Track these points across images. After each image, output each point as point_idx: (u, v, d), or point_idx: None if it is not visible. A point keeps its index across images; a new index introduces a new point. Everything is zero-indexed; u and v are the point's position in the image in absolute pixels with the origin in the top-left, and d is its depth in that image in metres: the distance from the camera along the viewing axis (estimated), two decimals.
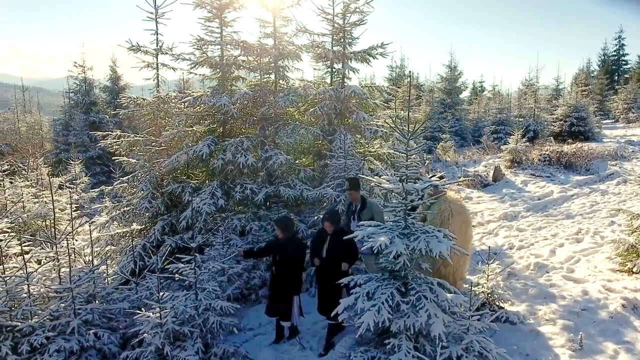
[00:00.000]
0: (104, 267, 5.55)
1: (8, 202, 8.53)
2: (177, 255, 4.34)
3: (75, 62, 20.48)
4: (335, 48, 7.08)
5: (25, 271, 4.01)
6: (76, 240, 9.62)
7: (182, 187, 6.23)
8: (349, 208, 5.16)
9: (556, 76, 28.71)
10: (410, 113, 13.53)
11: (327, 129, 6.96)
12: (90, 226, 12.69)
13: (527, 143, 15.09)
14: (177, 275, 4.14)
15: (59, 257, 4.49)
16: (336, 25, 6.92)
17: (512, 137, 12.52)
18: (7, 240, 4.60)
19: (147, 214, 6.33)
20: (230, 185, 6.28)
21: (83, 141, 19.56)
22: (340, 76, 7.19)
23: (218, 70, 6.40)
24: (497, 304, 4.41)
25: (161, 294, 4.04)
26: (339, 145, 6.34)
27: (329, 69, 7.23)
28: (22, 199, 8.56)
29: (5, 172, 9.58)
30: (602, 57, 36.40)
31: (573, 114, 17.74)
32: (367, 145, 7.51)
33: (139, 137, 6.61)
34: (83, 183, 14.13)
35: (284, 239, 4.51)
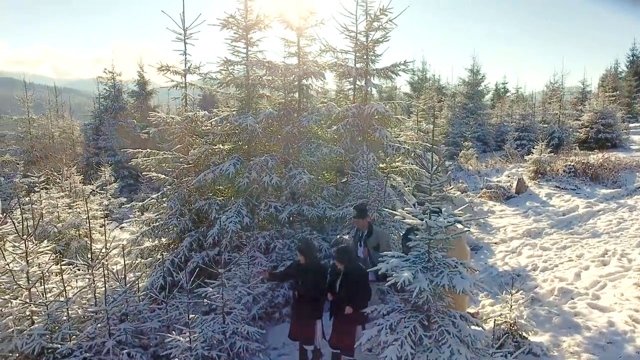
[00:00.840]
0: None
1: (44, 212, 8.91)
2: (205, 280, 4.50)
3: (105, 69, 21.21)
4: (358, 65, 7.15)
5: (65, 295, 4.23)
6: (108, 251, 10.00)
7: (209, 204, 6.41)
8: (356, 234, 5.23)
9: (582, 79, 28.00)
10: (431, 124, 13.37)
11: (350, 145, 7.04)
12: (120, 230, 13.05)
13: (551, 152, 14.85)
14: (205, 300, 4.31)
15: (95, 278, 4.70)
16: (359, 43, 6.99)
17: (536, 147, 12.31)
18: (49, 265, 4.83)
19: (175, 230, 6.54)
20: (255, 203, 6.43)
21: (112, 145, 20.24)
22: (362, 93, 7.27)
23: (244, 89, 6.56)
24: (520, 333, 4.41)
25: (190, 316, 4.21)
26: (362, 164, 6.43)
27: (352, 86, 7.32)
28: (57, 209, 8.92)
29: (42, 182, 10.06)
30: (631, 58, 35.23)
31: (600, 120, 17.32)
32: (389, 161, 7.55)
33: (168, 154, 6.83)
34: (112, 189, 14.60)
35: (305, 263, 4.60)
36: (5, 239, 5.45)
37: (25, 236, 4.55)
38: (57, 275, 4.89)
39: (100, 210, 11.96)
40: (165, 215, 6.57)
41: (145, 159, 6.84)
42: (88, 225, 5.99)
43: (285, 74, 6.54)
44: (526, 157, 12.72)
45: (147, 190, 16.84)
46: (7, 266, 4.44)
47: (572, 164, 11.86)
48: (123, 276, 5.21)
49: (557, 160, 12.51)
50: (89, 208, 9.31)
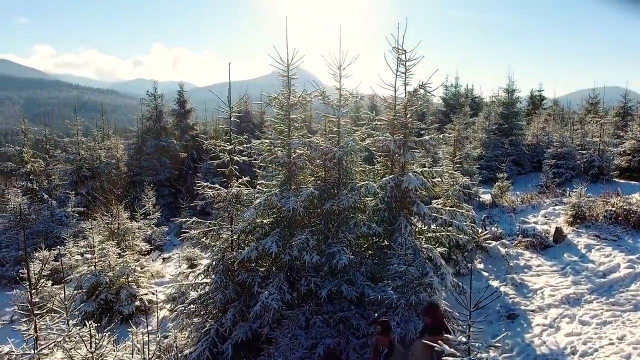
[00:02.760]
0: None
1: (96, 260, 9.53)
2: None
3: (148, 91, 22.22)
4: (396, 137, 7.31)
5: None
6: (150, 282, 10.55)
7: (252, 277, 6.76)
8: (375, 348, 5.19)
9: (623, 92, 26.86)
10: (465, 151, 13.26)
11: (388, 217, 7.23)
12: (162, 260, 13.59)
13: (590, 181, 14.48)
14: None
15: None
16: (398, 120, 7.16)
17: (575, 190, 12.04)
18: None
19: (220, 301, 6.91)
20: (295, 277, 6.73)
21: (154, 165, 21.19)
22: (401, 163, 7.42)
23: (285, 169, 6.85)
24: None
25: None
26: (400, 241, 6.61)
27: (390, 159, 7.48)
28: (109, 257, 9.52)
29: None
30: None
31: None
32: (426, 229, 7.68)
33: (213, 224, 7.22)
34: (156, 219, 15.36)
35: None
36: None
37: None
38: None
39: (145, 246, 12.65)
40: (210, 287, 6.95)
41: (195, 232, 7.23)
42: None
43: (325, 153, 6.77)
44: (564, 200, 12.47)
45: (187, 213, 17.61)
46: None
47: (613, 209, 11.54)
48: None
49: (597, 203, 12.18)
50: (134, 258, 9.92)
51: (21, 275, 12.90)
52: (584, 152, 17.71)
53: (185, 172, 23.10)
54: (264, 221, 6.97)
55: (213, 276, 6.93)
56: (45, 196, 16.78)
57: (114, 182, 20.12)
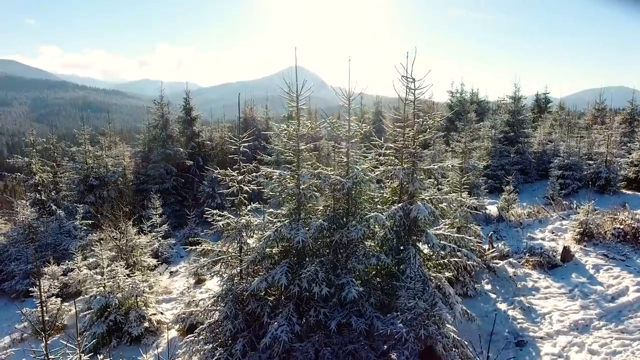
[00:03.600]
0: None
1: (106, 279, 9.60)
2: None
3: (155, 100, 22.36)
4: (405, 166, 7.33)
5: None
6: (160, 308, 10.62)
7: (261, 307, 6.81)
8: None
9: (628, 92, 26.66)
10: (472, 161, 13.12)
11: (396, 245, 7.25)
12: (170, 274, 13.67)
13: (597, 192, 14.41)
14: None
15: None
16: (407, 150, 7.18)
17: (582, 207, 12.00)
18: None
19: (230, 331, 6.97)
20: (304, 308, 6.77)
21: (160, 174, 21.33)
22: (409, 191, 7.43)
23: (295, 199, 6.88)
24: None
25: None
26: (409, 272, 6.63)
27: (399, 186, 7.50)
28: (118, 278, 9.59)
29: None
30: None
31: None
32: (434, 256, 7.69)
33: (223, 255, 7.27)
34: (163, 232, 15.46)
35: None
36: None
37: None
38: None
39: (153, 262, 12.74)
40: (219, 316, 7.01)
41: (205, 261, 7.29)
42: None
43: (335, 184, 6.80)
44: (572, 217, 12.41)
45: (192, 225, 17.71)
46: None
47: (621, 227, 11.50)
48: None
49: (604, 219, 12.12)
50: (143, 279, 9.99)
51: (30, 289, 13.09)
52: (590, 162, 17.63)
53: (191, 179, 23.20)
54: (273, 251, 7.02)
55: (222, 305, 6.97)
56: (54, 207, 16.93)
57: (121, 193, 20.29)
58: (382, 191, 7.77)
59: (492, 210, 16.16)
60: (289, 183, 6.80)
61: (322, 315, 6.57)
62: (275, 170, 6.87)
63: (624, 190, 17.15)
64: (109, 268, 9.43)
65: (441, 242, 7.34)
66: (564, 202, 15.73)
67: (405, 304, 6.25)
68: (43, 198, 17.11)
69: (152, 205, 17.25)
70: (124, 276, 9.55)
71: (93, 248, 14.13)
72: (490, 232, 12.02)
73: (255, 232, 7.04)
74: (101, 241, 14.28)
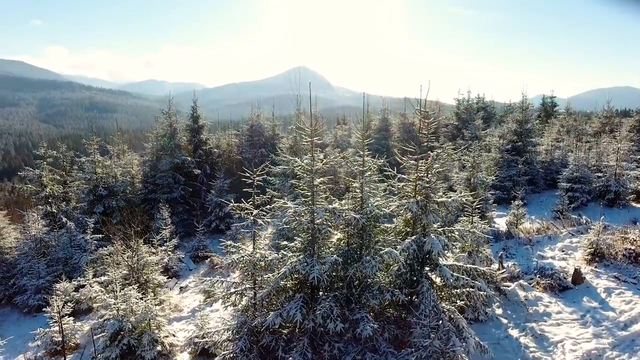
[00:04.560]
0: None
1: (119, 302, 9.68)
2: None
3: (162, 109, 22.47)
4: (419, 198, 7.35)
5: None
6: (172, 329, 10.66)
7: (276, 340, 6.86)
8: None
9: (637, 98, 26.49)
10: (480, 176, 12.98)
11: (409, 278, 7.28)
12: (180, 290, 13.78)
13: (607, 205, 14.34)
14: None
15: None
16: (421, 182, 7.19)
17: (593, 227, 11.97)
18: None
19: None
20: (319, 342, 6.81)
21: (169, 183, 21.48)
22: (423, 223, 7.45)
23: (309, 234, 6.92)
24: None
25: None
26: (422, 308, 6.65)
27: (412, 218, 7.52)
28: (131, 301, 9.66)
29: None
30: None
31: None
32: (447, 287, 7.71)
33: (237, 283, 7.33)
34: (173, 246, 15.56)
35: None
36: None
37: None
38: None
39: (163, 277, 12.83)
40: (234, 349, 7.07)
41: (218, 290, 7.34)
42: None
43: (348, 220, 6.83)
44: (582, 237, 12.38)
45: (201, 236, 17.79)
46: None
47: (633, 247, 11.46)
48: None
49: (615, 238, 12.08)
50: (155, 302, 10.07)
51: (42, 305, 13.24)
52: (599, 174, 17.54)
53: (198, 188, 23.30)
54: (288, 285, 7.06)
55: (237, 337, 7.03)
56: (64, 219, 17.06)
57: (130, 202, 20.41)
58: (395, 221, 7.79)
59: (501, 224, 16.16)
60: (303, 217, 6.84)
61: (337, 350, 6.62)
62: (291, 205, 6.90)
63: (633, 204, 17.07)
64: (122, 292, 9.50)
65: (454, 274, 7.36)
66: (573, 215, 15.70)
67: (420, 342, 6.28)
68: (53, 210, 17.24)
69: (160, 216, 17.41)
70: (137, 299, 9.62)
71: (104, 262, 14.29)
72: (500, 253, 12.00)
73: (270, 266, 7.09)
74: (111, 255, 14.42)
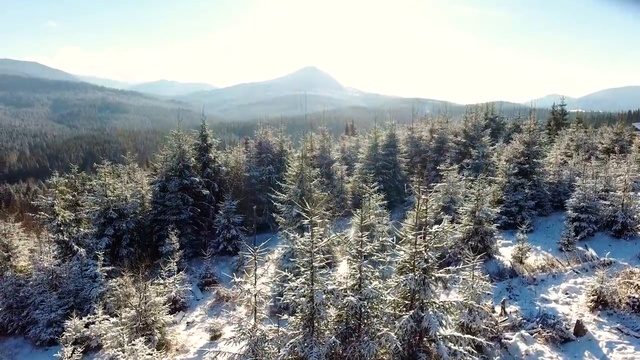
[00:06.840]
0: None
1: (127, 355, 10.00)
2: None
3: (172, 131, 22.82)
4: (417, 273, 7.46)
5: None
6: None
7: None
8: None
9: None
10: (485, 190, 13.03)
11: (407, 355, 7.42)
12: (187, 325, 14.09)
13: (613, 236, 14.23)
14: None
15: None
16: (420, 256, 7.31)
17: (597, 273, 11.95)
18: None
19: None
20: None
21: (177, 205, 21.84)
22: (420, 300, 7.57)
23: (308, 312, 7.09)
24: None
25: None
26: None
27: (410, 292, 7.64)
28: (139, 357, 9.97)
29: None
30: None
31: None
32: None
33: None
34: (180, 278, 15.85)
35: None
36: None
37: None
38: None
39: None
40: None
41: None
42: None
43: (346, 303, 6.98)
44: (588, 284, 12.36)
45: (208, 263, 18.07)
46: None
47: (636, 295, 11.43)
48: None
49: (619, 282, 12.05)
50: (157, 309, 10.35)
51: (53, 338, 13.65)
52: (607, 202, 17.36)
53: (207, 207, 23.62)
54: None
55: None
56: (75, 247, 17.50)
57: (139, 224, 20.79)
58: (394, 295, 7.92)
59: (506, 255, 16.13)
60: (302, 298, 7.00)
61: None
62: (294, 285, 7.05)
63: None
64: (129, 346, 9.80)
65: (452, 347, 7.48)
66: (579, 247, 15.69)
67: None
68: (65, 239, 17.67)
69: (169, 241, 17.79)
70: (146, 354, 9.91)
71: (113, 293, 14.65)
72: (503, 298, 12.05)
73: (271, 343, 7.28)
74: (121, 286, 14.77)
